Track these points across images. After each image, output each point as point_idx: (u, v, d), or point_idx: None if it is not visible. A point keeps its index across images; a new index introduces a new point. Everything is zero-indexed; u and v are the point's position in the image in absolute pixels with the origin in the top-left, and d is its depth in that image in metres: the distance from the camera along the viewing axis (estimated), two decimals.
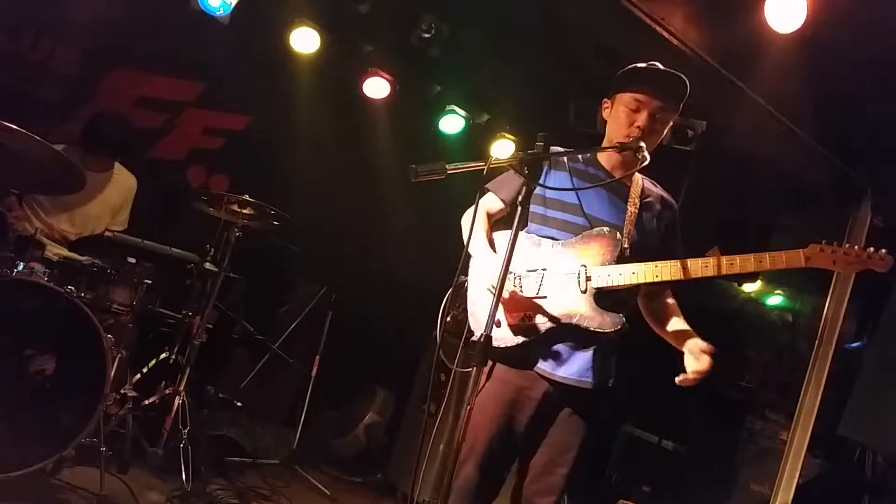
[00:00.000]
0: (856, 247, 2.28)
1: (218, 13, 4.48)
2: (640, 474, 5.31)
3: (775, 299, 6.41)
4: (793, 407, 4.51)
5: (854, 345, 5.18)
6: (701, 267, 2.38)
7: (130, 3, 4.78)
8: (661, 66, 2.59)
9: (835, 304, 4.48)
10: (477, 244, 2.59)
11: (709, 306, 5.84)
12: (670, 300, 2.70)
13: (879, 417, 4.34)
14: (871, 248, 2.28)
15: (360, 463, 5.19)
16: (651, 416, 5.35)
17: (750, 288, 6.28)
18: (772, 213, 5.03)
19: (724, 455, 5.45)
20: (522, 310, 2.48)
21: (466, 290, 2.66)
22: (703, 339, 2.47)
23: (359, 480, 5.01)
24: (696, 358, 2.43)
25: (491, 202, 2.69)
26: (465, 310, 2.65)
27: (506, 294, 2.41)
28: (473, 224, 2.29)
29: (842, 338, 4.53)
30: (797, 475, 4.36)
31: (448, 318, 2.70)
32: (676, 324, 2.63)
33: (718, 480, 5.36)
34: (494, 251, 2.58)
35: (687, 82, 2.55)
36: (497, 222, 2.70)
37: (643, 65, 2.61)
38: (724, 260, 2.35)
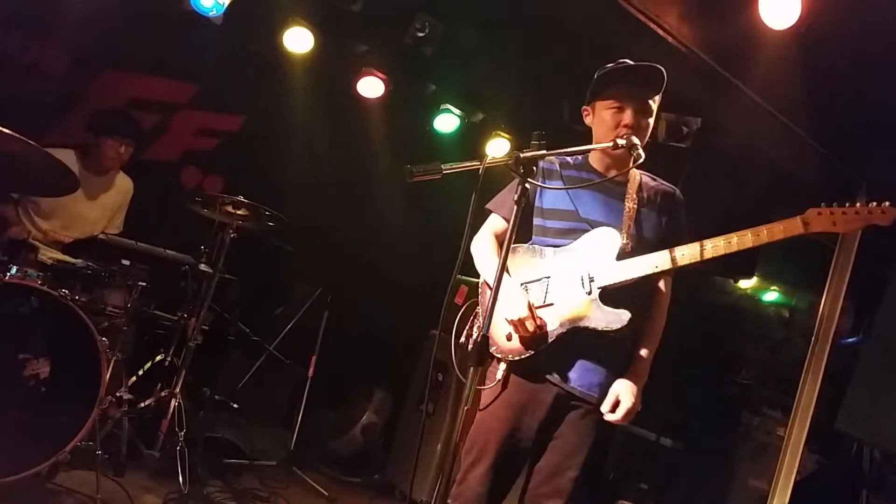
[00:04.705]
0: (857, 203, 2.19)
1: (211, 13, 4.46)
2: (638, 472, 5.31)
3: (771, 295, 6.42)
4: (790, 402, 4.50)
5: (850, 340, 5.18)
6: (700, 251, 2.36)
7: (122, 3, 4.75)
8: (631, 62, 2.58)
9: (831, 299, 4.48)
10: (490, 270, 2.60)
11: (706, 303, 5.85)
12: (657, 314, 2.65)
13: (876, 412, 4.35)
14: (873, 203, 2.18)
15: (357, 463, 5.18)
16: (648, 414, 5.35)
17: (746, 284, 6.28)
18: (767, 210, 5.02)
19: (722, 451, 5.46)
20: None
21: (477, 314, 2.70)
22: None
23: (356, 481, 5.00)
24: (612, 406, 2.45)
25: (495, 223, 2.72)
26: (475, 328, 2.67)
27: (524, 311, 2.42)
28: (464, 240, 2.31)
29: (838, 333, 4.53)
30: (795, 471, 4.36)
31: (462, 339, 2.71)
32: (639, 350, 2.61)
33: (716, 477, 5.37)
34: (509, 274, 2.57)
35: (663, 70, 2.53)
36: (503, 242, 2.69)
37: (613, 65, 2.60)
38: (723, 240, 2.30)
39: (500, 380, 2.52)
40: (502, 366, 2.53)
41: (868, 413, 4.38)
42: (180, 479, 3.64)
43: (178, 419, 3.86)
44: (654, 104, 2.60)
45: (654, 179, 2.73)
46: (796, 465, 4.37)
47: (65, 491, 3.29)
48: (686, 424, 5.40)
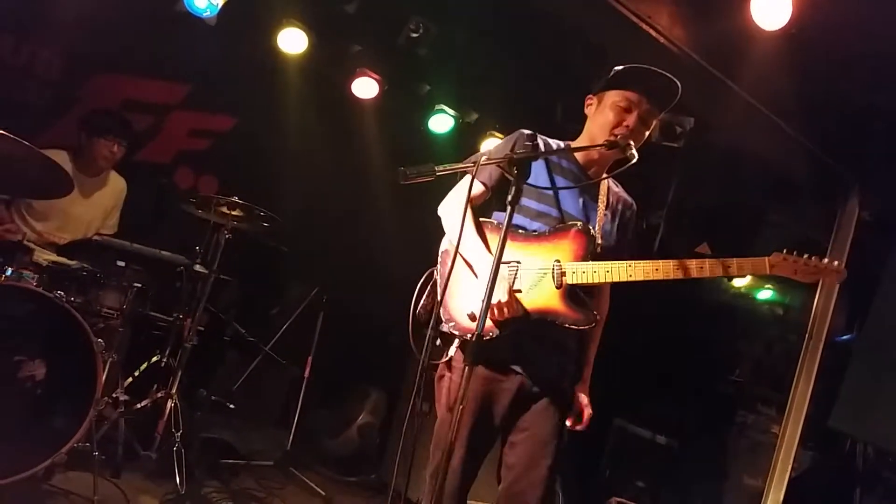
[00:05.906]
0: (813, 258, 2.34)
1: (205, 14, 4.46)
2: (633, 469, 5.32)
3: (765, 293, 6.44)
4: (784, 400, 4.53)
5: (844, 338, 5.21)
6: (673, 269, 2.39)
7: (116, 4, 4.75)
8: (656, 69, 2.57)
9: (824, 297, 4.51)
10: (469, 240, 2.55)
11: (700, 300, 5.87)
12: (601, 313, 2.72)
13: (869, 409, 4.37)
14: (826, 260, 2.34)
15: (353, 463, 5.19)
16: (643, 411, 5.37)
17: (740, 282, 6.30)
18: (761, 209, 5.05)
19: (717, 449, 5.47)
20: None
21: (436, 281, 2.66)
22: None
23: (353, 480, 5.02)
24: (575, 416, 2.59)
25: (473, 187, 2.67)
26: (433, 299, 2.64)
27: (504, 295, 2.40)
28: (465, 215, 2.31)
29: (831, 331, 4.56)
30: (789, 468, 4.39)
31: (419, 310, 2.69)
32: (588, 351, 2.71)
33: (711, 474, 5.38)
34: (487, 247, 2.53)
35: (680, 86, 2.53)
36: (477, 208, 2.63)
37: (638, 66, 2.59)
38: (694, 263, 2.39)
39: (451, 357, 2.51)
40: (455, 342, 2.51)
41: (861, 410, 4.40)
42: (177, 479, 3.65)
43: (175, 420, 3.86)
44: (656, 119, 2.62)
45: (617, 186, 2.76)
46: (790, 462, 4.39)
47: (61, 492, 3.29)
48: (681, 422, 5.41)
